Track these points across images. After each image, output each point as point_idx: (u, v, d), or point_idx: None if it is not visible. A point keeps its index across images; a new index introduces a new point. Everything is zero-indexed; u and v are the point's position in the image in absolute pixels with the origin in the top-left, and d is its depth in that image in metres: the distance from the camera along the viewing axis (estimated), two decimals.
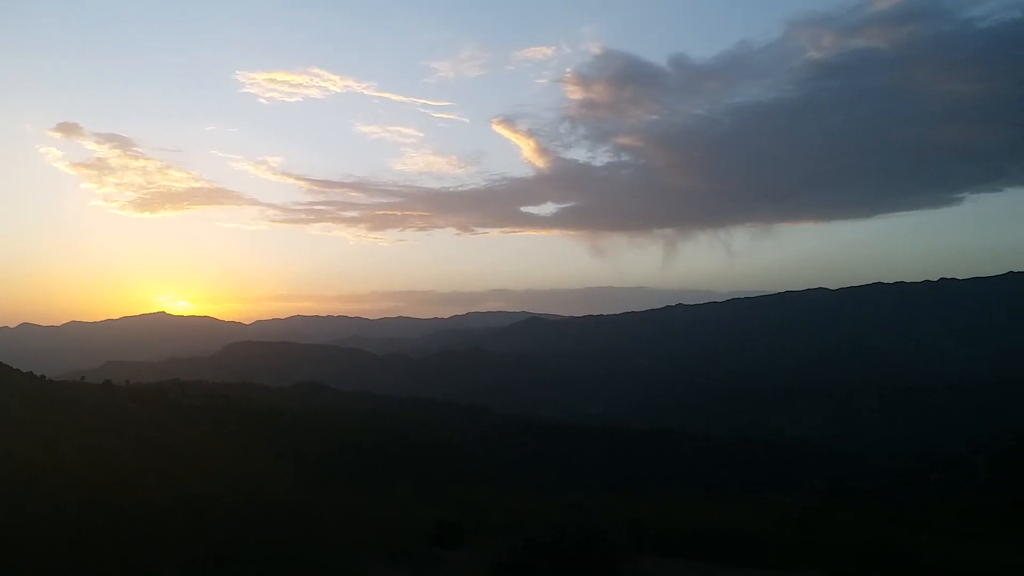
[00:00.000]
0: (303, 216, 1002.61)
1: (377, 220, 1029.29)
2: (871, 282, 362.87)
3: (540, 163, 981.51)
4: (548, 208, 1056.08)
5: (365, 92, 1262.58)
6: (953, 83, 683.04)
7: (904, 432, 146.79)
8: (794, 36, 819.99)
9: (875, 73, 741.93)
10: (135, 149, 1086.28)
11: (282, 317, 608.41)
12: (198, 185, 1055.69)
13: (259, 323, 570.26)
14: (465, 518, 17.13)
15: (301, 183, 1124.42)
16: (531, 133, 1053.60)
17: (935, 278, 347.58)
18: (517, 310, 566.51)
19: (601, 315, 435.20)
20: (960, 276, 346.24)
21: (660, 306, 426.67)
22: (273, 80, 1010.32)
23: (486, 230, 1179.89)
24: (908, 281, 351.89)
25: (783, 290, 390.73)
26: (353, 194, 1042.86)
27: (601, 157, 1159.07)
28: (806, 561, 14.20)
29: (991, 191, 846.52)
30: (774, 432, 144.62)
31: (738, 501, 24.71)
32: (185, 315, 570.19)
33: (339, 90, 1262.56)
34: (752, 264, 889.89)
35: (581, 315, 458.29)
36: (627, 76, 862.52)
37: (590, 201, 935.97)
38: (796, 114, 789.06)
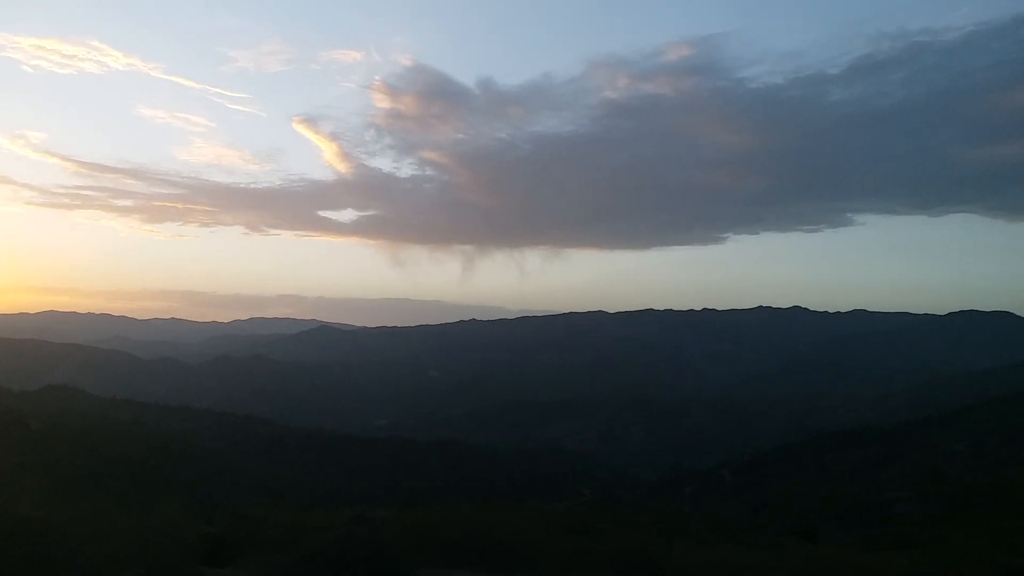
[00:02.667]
0: (67, 201, 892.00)
1: (154, 212, 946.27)
2: (644, 308, 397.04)
3: (342, 168, 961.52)
4: (348, 214, 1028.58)
5: (151, 73, 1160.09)
6: (724, 134, 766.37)
7: (665, 445, 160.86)
8: (593, 75, 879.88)
9: (661, 118, 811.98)
10: None
11: (32, 312, 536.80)
12: None
13: (2, 317, 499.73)
14: (237, 534, 16.18)
15: (67, 164, 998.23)
16: (334, 136, 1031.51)
17: (699, 308, 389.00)
18: (307, 317, 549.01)
19: (396, 326, 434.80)
20: (720, 308, 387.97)
21: (454, 320, 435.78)
22: (42, 48, 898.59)
23: (278, 231, 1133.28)
24: (676, 309, 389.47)
25: (568, 311, 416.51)
26: (128, 181, 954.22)
27: (406, 169, 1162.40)
28: (578, 566, 14.99)
29: (750, 234, 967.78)
30: (551, 443, 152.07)
31: (515, 509, 25.67)
32: None
33: (121, 67, 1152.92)
34: (541, 285, 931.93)
35: (375, 325, 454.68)
36: (436, 92, 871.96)
37: (392, 211, 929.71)
38: (589, 148, 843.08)
